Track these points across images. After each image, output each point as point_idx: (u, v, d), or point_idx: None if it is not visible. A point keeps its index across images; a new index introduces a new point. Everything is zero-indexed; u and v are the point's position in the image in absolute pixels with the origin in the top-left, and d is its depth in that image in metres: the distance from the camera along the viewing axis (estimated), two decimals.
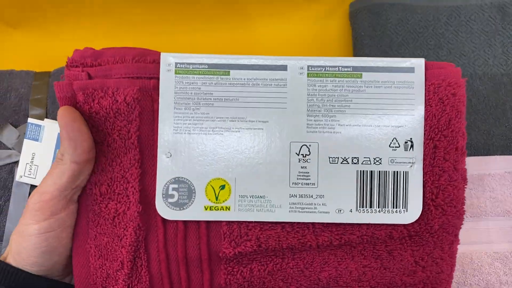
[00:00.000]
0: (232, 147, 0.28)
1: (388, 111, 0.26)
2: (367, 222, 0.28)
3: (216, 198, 0.30)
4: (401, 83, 0.26)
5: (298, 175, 0.28)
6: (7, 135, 0.62)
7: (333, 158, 0.27)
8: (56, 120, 0.62)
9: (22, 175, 0.57)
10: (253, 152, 0.28)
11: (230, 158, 0.29)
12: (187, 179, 0.30)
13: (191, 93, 0.28)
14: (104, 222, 0.32)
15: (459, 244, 0.32)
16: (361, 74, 0.26)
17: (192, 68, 0.28)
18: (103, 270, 0.32)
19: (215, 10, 0.74)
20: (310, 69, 0.27)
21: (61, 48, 0.79)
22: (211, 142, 0.29)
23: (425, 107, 0.26)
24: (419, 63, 0.27)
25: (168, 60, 0.29)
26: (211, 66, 0.28)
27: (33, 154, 0.58)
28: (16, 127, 0.63)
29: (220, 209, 0.30)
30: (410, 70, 0.26)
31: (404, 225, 0.28)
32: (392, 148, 0.26)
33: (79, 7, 0.74)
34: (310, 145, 0.27)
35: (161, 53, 0.29)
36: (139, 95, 0.29)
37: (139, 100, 0.29)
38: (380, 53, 0.66)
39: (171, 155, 0.29)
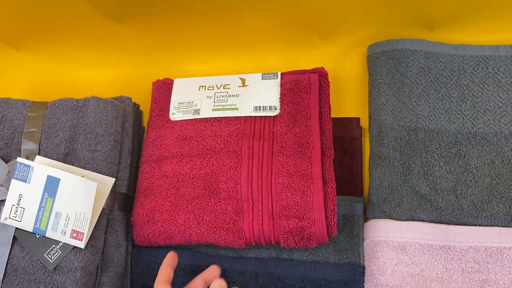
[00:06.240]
0: None
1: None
2: None
3: None
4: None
5: None
6: None
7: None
8: (48, 158, 0.59)
9: (7, 217, 0.54)
10: None
11: None
12: None
13: None
14: None
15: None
16: None
17: None
18: None
19: (223, 42, 0.70)
20: None
21: (63, 72, 0.76)
22: None
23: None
24: None
25: None
26: None
27: (20, 196, 0.54)
28: (7, 161, 0.59)
29: None
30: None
31: None
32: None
33: (83, 31, 0.70)
34: None
35: None
36: None
37: None
38: (398, 103, 0.61)
39: None
